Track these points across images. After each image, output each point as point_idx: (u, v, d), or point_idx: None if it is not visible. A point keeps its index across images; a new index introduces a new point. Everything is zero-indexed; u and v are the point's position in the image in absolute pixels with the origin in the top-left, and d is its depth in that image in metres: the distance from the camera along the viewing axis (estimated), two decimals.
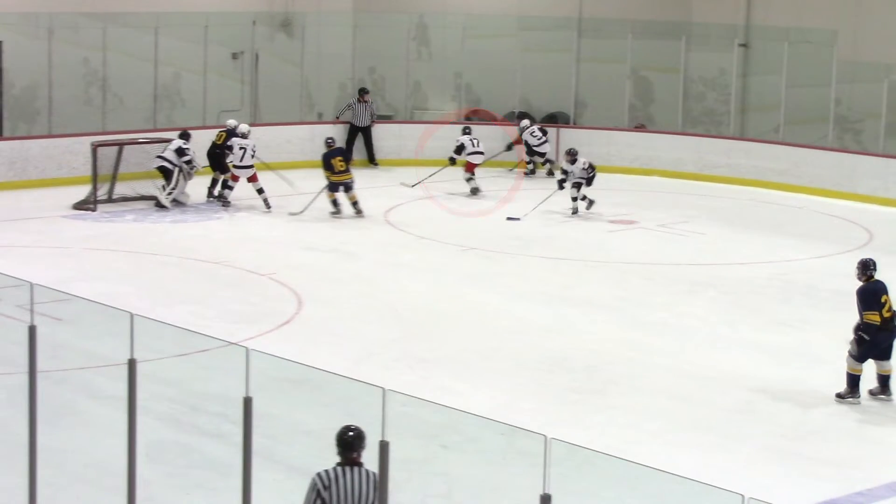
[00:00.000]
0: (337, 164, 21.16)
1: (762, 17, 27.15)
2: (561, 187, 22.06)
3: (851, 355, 12.48)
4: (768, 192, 24.68)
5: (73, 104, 24.90)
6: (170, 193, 21.64)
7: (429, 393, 11.20)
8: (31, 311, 8.36)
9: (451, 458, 10.76)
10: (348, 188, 21.25)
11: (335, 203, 21.30)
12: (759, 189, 24.93)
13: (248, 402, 7.23)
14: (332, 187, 21.26)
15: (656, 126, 27.71)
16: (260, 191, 21.77)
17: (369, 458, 7.03)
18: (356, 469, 7.18)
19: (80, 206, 21.38)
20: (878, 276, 12.65)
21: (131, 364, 7.77)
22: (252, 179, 21.83)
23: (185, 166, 21.81)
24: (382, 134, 26.61)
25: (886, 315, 12.38)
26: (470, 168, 23.81)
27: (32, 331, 8.31)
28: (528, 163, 26.09)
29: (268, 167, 22.61)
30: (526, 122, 26.21)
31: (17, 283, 9.58)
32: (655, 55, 27.85)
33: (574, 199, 21.79)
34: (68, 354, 12.29)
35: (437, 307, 15.94)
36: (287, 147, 25.67)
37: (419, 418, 10.33)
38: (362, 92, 26.57)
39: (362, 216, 21.23)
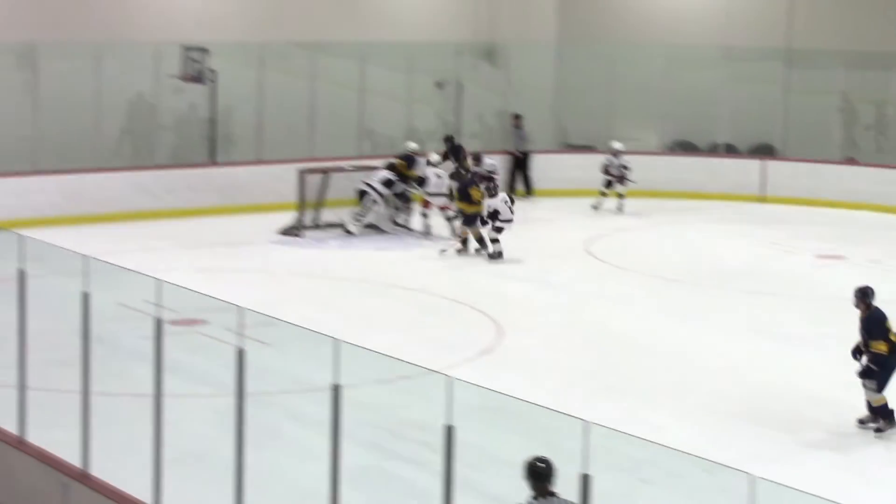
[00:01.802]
0: (475, 194, 20.35)
1: None
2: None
3: (871, 388, 12.20)
4: None
5: (281, 131, 25.47)
6: (358, 220, 21.83)
7: (628, 426, 11.04)
8: (240, 334, 8.53)
9: (652, 494, 10.62)
10: (482, 221, 20.26)
11: (465, 242, 20.30)
12: None
13: (449, 431, 7.25)
14: (469, 220, 20.33)
15: (867, 159, 26.98)
16: (449, 219, 21.74)
17: (568, 491, 6.98)
18: (551, 499, 7.13)
19: (286, 231, 21.81)
20: None
21: (336, 389, 7.86)
22: (444, 208, 21.90)
23: (391, 198, 21.95)
24: (583, 164, 26.40)
25: (894, 340, 12.19)
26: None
27: (241, 354, 8.49)
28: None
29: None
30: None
31: (226, 307, 9.78)
32: (867, 86, 27.16)
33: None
34: (274, 378, 12.51)
35: (638, 339, 15.77)
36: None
37: (619, 451, 10.20)
38: (514, 117, 26.30)
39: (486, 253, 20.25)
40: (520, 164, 26.18)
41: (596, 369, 14.37)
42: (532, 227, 22.91)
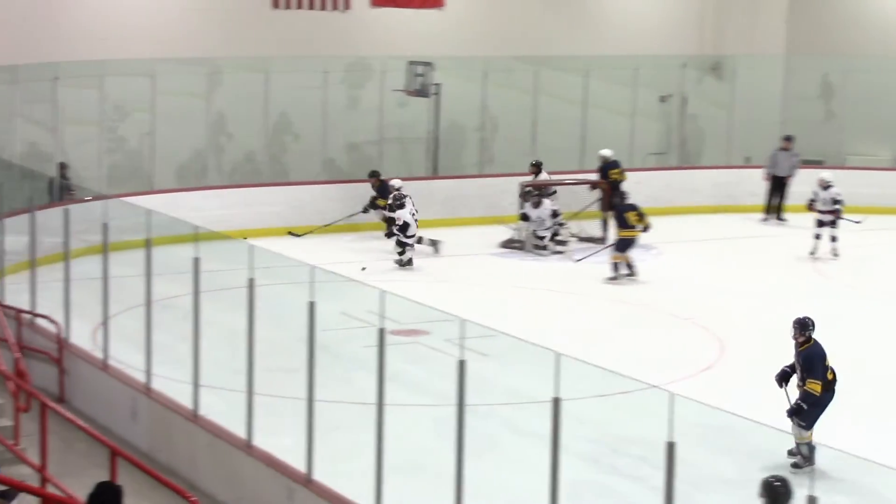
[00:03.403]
0: (632, 218, 19.49)
1: None
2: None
3: (800, 425, 11.33)
4: None
5: (503, 145, 25.60)
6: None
7: (859, 449, 10.77)
8: (462, 346, 8.60)
9: None
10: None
11: (617, 267, 19.31)
12: None
13: (671, 447, 7.18)
14: (622, 246, 19.51)
15: None
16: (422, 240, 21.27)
17: None
18: None
19: (508, 244, 21.89)
20: None
21: (556, 402, 7.85)
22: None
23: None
24: (812, 179, 25.68)
25: (830, 378, 11.50)
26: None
27: (462, 365, 8.55)
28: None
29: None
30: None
31: (448, 318, 9.87)
32: None
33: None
34: (493, 389, 12.58)
35: (866, 362, 15.28)
36: (712, 191, 25.45)
37: (848, 475, 9.96)
38: (785, 139, 25.36)
39: (635, 277, 19.47)
40: (783, 186, 24.95)
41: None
42: (760, 243, 22.51)
